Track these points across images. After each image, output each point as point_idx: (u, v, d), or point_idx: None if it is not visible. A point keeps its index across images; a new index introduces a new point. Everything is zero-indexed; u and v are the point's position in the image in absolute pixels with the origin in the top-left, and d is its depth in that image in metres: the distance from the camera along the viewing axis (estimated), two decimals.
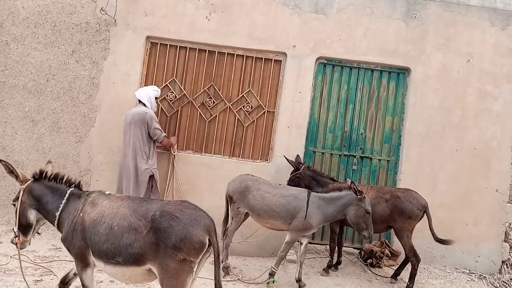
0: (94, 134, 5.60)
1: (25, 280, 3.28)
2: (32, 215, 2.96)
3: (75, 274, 2.99)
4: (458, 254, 5.96)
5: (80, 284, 2.84)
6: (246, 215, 4.80)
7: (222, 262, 4.77)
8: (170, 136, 5.59)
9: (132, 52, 5.67)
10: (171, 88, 5.78)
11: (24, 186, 2.96)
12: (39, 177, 3.02)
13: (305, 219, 4.46)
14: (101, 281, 2.82)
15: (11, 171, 2.98)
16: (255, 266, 5.30)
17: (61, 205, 2.86)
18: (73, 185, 2.99)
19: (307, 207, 4.48)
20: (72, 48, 5.66)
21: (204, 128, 5.85)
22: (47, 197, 2.92)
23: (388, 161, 6.14)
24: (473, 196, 5.98)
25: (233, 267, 4.96)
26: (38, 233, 3.18)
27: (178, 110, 5.81)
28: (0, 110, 5.59)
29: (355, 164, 6.05)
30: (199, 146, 5.85)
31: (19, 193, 2.96)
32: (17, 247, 3.01)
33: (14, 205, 2.99)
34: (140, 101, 5.22)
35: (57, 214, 2.85)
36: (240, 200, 4.72)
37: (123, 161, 5.15)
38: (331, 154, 6.07)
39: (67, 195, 2.90)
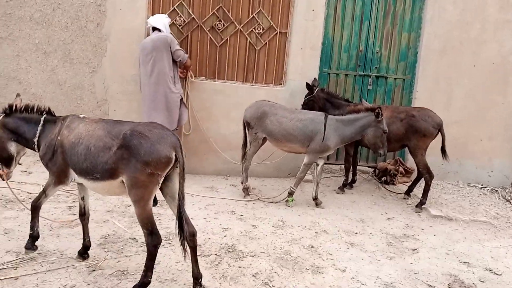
0: (106, 64, 5.57)
1: (22, 204, 3.69)
2: (12, 147, 3.19)
3: (82, 199, 3.29)
4: (471, 169, 6.11)
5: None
6: (264, 139, 4.91)
7: (242, 183, 5.00)
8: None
9: None
10: (179, 12, 5.60)
11: None
12: (10, 111, 3.18)
13: (322, 141, 4.58)
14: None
15: None
16: (273, 186, 5.53)
17: (38, 132, 3.10)
18: (45, 112, 3.19)
19: (325, 129, 4.57)
20: None
21: (216, 53, 5.76)
22: (23, 127, 3.13)
23: (403, 79, 6.06)
24: (489, 112, 5.98)
25: (252, 188, 5.18)
26: (20, 164, 3.45)
27: (188, 35, 5.68)
28: (11, 43, 5.53)
29: (370, 84, 6.00)
30: (212, 72, 5.80)
31: None
32: (3, 179, 3.31)
33: None
34: (154, 29, 5.10)
35: (35, 140, 3.11)
36: (258, 126, 4.80)
37: (146, 91, 5.12)
38: (346, 75, 6.00)
39: (41, 121, 3.13)
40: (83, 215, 3.31)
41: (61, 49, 5.55)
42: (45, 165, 3.10)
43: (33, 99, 5.59)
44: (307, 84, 5.37)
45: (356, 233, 4.26)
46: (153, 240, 2.82)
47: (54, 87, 5.62)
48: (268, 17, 5.69)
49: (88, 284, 2.98)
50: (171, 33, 5.27)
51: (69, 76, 5.60)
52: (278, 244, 3.86)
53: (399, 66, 6.05)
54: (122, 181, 2.83)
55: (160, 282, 3.09)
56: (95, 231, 3.76)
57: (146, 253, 2.86)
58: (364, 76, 6.01)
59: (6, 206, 4.10)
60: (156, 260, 2.92)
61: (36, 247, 3.28)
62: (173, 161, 2.80)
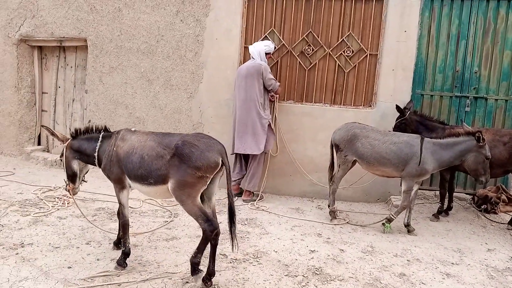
0: (203, 90, 5.96)
1: (85, 216, 4.09)
2: (75, 165, 3.62)
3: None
4: None
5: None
6: (353, 162, 4.84)
7: (329, 206, 4.96)
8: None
9: (231, 6, 5.80)
10: (270, 39, 5.83)
11: (66, 144, 3.60)
12: (76, 134, 3.64)
13: (419, 165, 4.40)
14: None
15: (53, 134, 3.63)
16: (361, 211, 5.40)
17: (97, 146, 3.49)
18: (102, 129, 3.61)
19: (421, 153, 4.40)
20: (176, 8, 5.95)
21: (304, 76, 5.87)
22: (85, 146, 3.55)
23: (506, 100, 5.63)
24: None
25: (339, 211, 5.11)
26: (85, 181, 3.85)
27: (278, 60, 5.88)
28: (120, 72, 6.18)
29: (468, 106, 5.66)
30: (300, 95, 5.91)
31: (63, 150, 3.63)
32: (70, 193, 3.75)
33: (61, 160, 3.69)
34: (252, 56, 5.47)
35: (95, 154, 3.51)
36: (348, 148, 4.76)
37: (238, 115, 5.46)
38: (441, 96, 5.73)
39: (100, 137, 3.52)
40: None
41: (163, 76, 6.07)
42: (106, 175, 3.52)
43: (137, 122, 6.16)
44: (397, 107, 5.23)
45: (452, 264, 3.99)
46: (210, 225, 3.12)
47: (156, 111, 6.13)
48: (358, 40, 5.69)
49: None
50: (266, 61, 5.52)
51: (169, 101, 6.09)
52: (367, 270, 3.75)
53: (501, 86, 5.64)
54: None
55: None
56: (189, 245, 3.98)
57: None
58: (461, 97, 5.69)
59: (111, 219, 4.52)
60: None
61: (127, 264, 3.49)
62: (220, 166, 3.16)
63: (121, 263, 3.50)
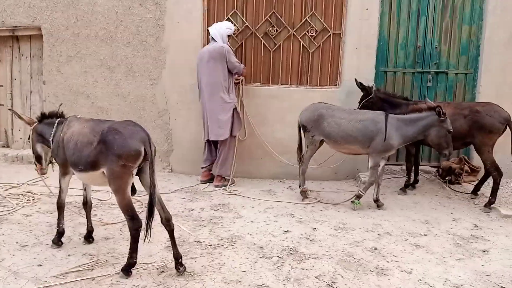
0: (166, 75, 5.82)
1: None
2: (39, 148, 3.72)
3: (85, 190, 3.77)
4: None
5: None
6: (321, 142, 4.89)
7: (300, 186, 5.02)
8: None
9: None
10: (233, 21, 5.73)
11: (32, 127, 3.70)
12: (41, 118, 3.69)
13: (384, 141, 4.49)
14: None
15: (20, 117, 3.74)
16: (331, 189, 5.49)
17: (52, 132, 3.58)
18: (59, 116, 3.67)
19: (386, 129, 4.49)
20: None
21: (269, 58, 5.83)
22: (45, 130, 3.63)
23: (465, 74, 5.82)
24: None
25: (310, 191, 5.18)
26: (52, 162, 3.88)
27: (242, 43, 5.81)
28: (79, 60, 5.94)
29: (429, 81, 5.81)
30: (266, 77, 5.88)
31: (30, 133, 3.73)
32: (38, 173, 3.87)
33: (29, 142, 3.78)
34: (213, 38, 5.31)
35: (50, 139, 3.59)
36: (315, 129, 4.80)
37: (202, 101, 5.39)
38: (404, 72, 5.84)
39: (55, 124, 3.60)
40: (86, 204, 3.78)
41: (124, 63, 5.88)
42: (54, 159, 3.66)
43: (100, 112, 5.97)
44: (361, 84, 5.25)
45: (421, 235, 4.13)
46: (134, 224, 3.17)
47: (119, 100, 5.96)
48: (321, 19, 5.69)
49: (158, 285, 3.12)
50: (228, 43, 5.42)
51: (132, 88, 5.92)
52: (340, 247, 3.83)
53: (461, 61, 5.80)
54: (103, 172, 3.19)
55: (225, 283, 3.18)
56: (162, 234, 3.92)
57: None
58: (423, 73, 5.82)
59: (80, 213, 4.39)
60: (175, 238, 3.02)
61: (62, 242, 3.68)
62: (143, 154, 3.14)
63: (55, 241, 3.66)
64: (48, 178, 3.98)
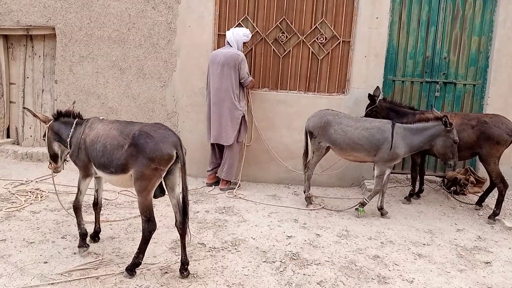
0: (176, 78, 5.90)
1: (59, 199, 4.01)
2: (56, 146, 3.69)
3: (96, 191, 3.76)
4: None
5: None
6: (327, 149, 4.92)
7: (304, 192, 5.05)
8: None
9: None
10: (243, 26, 5.79)
11: (47, 125, 3.67)
12: (57, 116, 3.67)
13: (390, 150, 4.52)
14: None
15: (34, 115, 3.68)
16: (335, 196, 5.51)
17: (70, 133, 3.56)
18: (77, 116, 3.66)
19: (392, 138, 4.51)
20: None
21: (278, 64, 5.88)
22: (62, 130, 3.61)
23: (474, 85, 5.82)
24: None
25: (315, 197, 5.21)
26: (66, 160, 3.89)
27: (252, 48, 5.87)
28: (91, 61, 6.04)
29: (437, 91, 5.81)
30: (274, 83, 5.92)
31: (45, 130, 3.70)
32: (51, 172, 3.86)
33: (44, 140, 3.74)
34: (228, 42, 5.36)
35: (68, 140, 3.56)
36: (321, 135, 4.83)
37: (212, 103, 5.40)
38: (412, 82, 5.86)
39: (74, 124, 3.58)
40: (96, 205, 3.77)
41: (135, 65, 5.97)
42: (73, 161, 3.56)
43: (110, 112, 6.06)
44: (369, 95, 5.31)
45: (423, 244, 4.14)
46: (149, 226, 3.21)
47: (129, 101, 6.04)
48: (331, 27, 5.73)
49: (161, 286, 3.17)
50: (242, 50, 5.47)
51: (142, 90, 6.00)
52: (343, 254, 3.86)
53: (469, 72, 5.81)
54: (131, 175, 3.20)
55: (227, 286, 3.21)
56: (166, 235, 3.99)
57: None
58: (431, 83, 5.83)
59: (87, 211, 4.46)
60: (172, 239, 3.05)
61: (88, 245, 3.63)
62: (174, 158, 3.17)
63: (81, 244, 3.59)
64: (56, 176, 4.04)
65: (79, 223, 3.62)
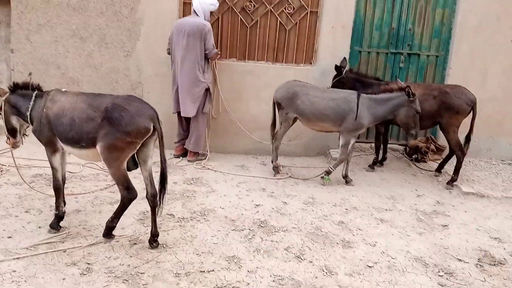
0: (140, 48, 5.72)
1: (20, 174, 3.95)
2: (14, 120, 3.54)
3: (60, 164, 3.58)
4: (505, 146, 6.01)
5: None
6: (295, 119, 4.98)
7: (272, 162, 5.13)
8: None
9: None
10: None
11: (3, 98, 3.49)
12: (14, 88, 3.50)
13: (355, 120, 4.61)
14: None
15: None
16: (302, 165, 5.61)
17: (30, 106, 3.39)
18: (36, 88, 3.49)
19: (357, 108, 4.60)
20: None
21: (246, 34, 5.81)
22: (20, 103, 3.44)
23: (437, 56, 5.97)
24: None
25: (282, 166, 5.29)
26: (26, 135, 3.76)
27: (218, 17, 5.75)
28: (50, 29, 5.76)
29: (402, 62, 5.94)
30: (242, 53, 5.86)
31: (1, 103, 3.52)
32: (10, 147, 3.70)
33: (0, 114, 3.56)
34: (195, 11, 5.22)
35: (28, 114, 3.39)
36: (289, 106, 4.86)
37: (177, 72, 5.30)
38: (378, 52, 5.94)
39: (33, 97, 3.41)
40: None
41: (97, 34, 5.74)
42: (37, 138, 3.42)
43: (71, 82, 5.84)
44: (336, 66, 5.35)
45: (386, 210, 4.32)
46: (129, 193, 3.19)
47: (91, 71, 5.84)
48: None
49: (131, 256, 3.18)
50: (209, 19, 5.34)
51: (104, 60, 5.80)
52: (309, 220, 3.97)
53: (432, 43, 5.94)
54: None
55: (197, 254, 3.26)
56: (135, 207, 3.95)
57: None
58: (396, 54, 5.94)
59: (50, 185, 4.33)
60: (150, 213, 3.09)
61: (61, 227, 3.51)
62: (151, 131, 3.13)
63: (54, 226, 3.49)
64: (17, 149, 3.89)
65: (58, 205, 3.50)
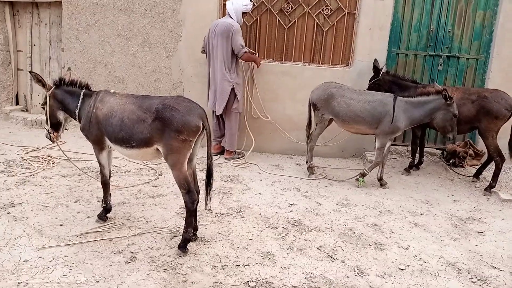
0: (182, 48, 5.95)
1: (74, 165, 4.21)
2: (61, 115, 3.66)
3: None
4: None
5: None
6: (330, 121, 5.04)
7: (307, 162, 5.21)
8: (251, 49, 5.74)
9: None
10: None
11: (49, 92, 3.58)
12: (59, 84, 3.60)
13: (391, 123, 4.64)
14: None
15: (39, 80, 3.54)
16: (337, 166, 5.67)
17: (79, 104, 3.52)
18: (84, 87, 3.60)
19: (394, 111, 4.62)
20: None
21: (283, 35, 5.91)
22: (68, 100, 3.56)
23: (477, 59, 5.86)
24: None
25: (317, 167, 5.37)
26: (66, 129, 3.90)
27: (257, 19, 5.88)
28: (97, 29, 6.08)
29: (440, 65, 5.87)
30: (279, 54, 5.97)
31: (45, 98, 3.61)
32: (53, 141, 3.80)
33: (43, 108, 3.65)
34: (228, 13, 5.38)
35: (76, 111, 3.53)
36: (325, 107, 4.93)
37: (210, 71, 5.49)
38: (416, 55, 5.91)
39: (81, 96, 3.53)
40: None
41: (141, 34, 6.01)
42: (84, 135, 3.56)
43: (116, 81, 6.15)
44: (374, 67, 5.37)
45: (420, 214, 4.33)
46: (190, 197, 3.25)
47: (135, 70, 6.12)
48: None
49: (171, 248, 3.37)
50: (242, 20, 5.45)
51: (148, 59, 6.06)
52: (342, 221, 4.04)
53: (473, 46, 5.84)
54: (157, 149, 3.27)
55: (233, 249, 3.41)
56: (175, 201, 4.17)
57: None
58: (435, 56, 5.88)
59: (97, 178, 4.62)
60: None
61: (107, 218, 3.73)
62: (201, 129, 3.23)
63: (102, 217, 3.70)
64: (66, 143, 4.14)
65: (106, 199, 3.70)
